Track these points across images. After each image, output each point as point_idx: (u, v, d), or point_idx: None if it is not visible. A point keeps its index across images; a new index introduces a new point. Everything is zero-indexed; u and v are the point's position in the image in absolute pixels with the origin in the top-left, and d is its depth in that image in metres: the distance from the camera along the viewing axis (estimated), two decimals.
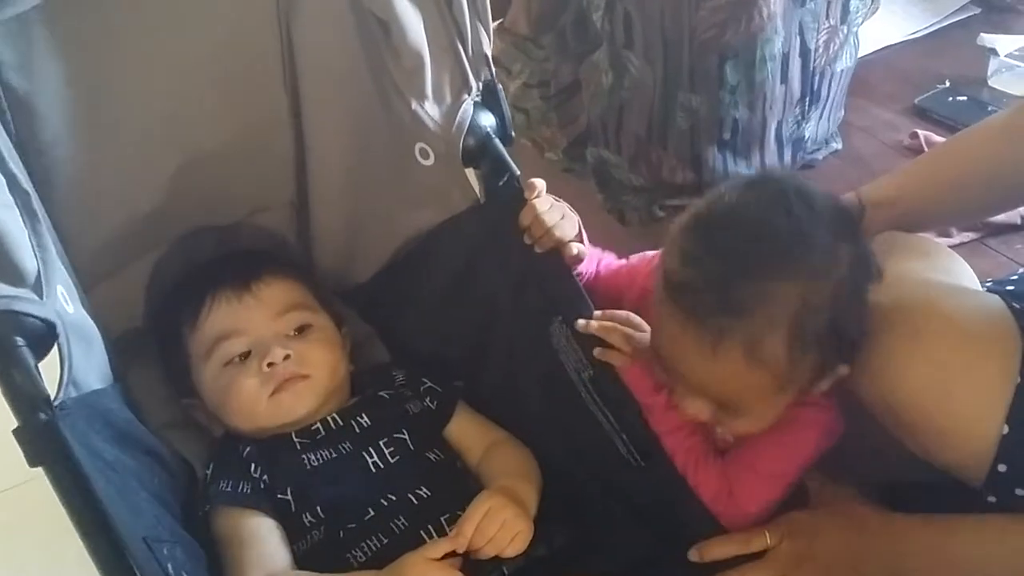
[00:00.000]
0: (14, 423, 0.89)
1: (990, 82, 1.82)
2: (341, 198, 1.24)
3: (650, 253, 1.15)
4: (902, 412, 0.94)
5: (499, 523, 1.00)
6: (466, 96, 1.12)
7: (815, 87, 1.55)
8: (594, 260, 1.17)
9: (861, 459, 1.06)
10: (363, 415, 1.14)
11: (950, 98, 1.80)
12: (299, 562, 1.04)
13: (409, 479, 1.09)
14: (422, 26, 1.07)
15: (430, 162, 1.14)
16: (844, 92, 1.67)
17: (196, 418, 1.19)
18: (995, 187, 1.13)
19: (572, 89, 1.56)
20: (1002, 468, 0.90)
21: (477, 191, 1.17)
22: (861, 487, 1.08)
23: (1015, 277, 1.09)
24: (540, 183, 1.11)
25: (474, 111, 1.12)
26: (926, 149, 1.64)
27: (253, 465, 1.09)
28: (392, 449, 1.12)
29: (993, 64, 1.83)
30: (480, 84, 1.12)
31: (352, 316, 1.30)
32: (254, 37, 1.13)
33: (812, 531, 1.02)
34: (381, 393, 1.18)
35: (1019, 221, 1.47)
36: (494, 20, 1.61)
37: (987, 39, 1.88)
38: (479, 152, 1.13)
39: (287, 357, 1.13)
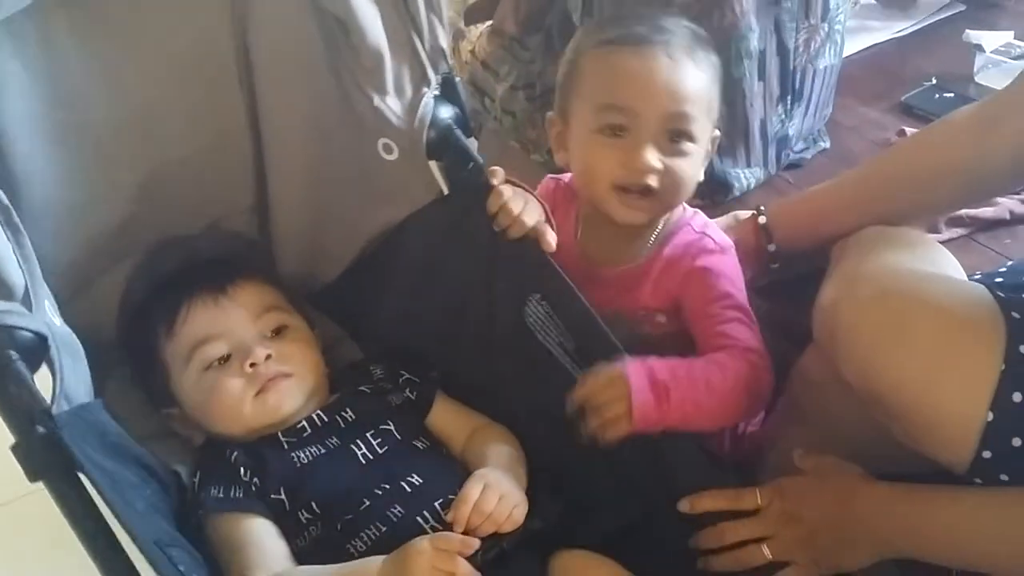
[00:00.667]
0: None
1: (976, 78, 1.83)
2: (302, 200, 1.25)
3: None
4: (888, 400, 0.96)
5: (495, 500, 1.02)
6: (426, 89, 1.14)
7: (797, 85, 1.56)
8: None
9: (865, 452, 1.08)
10: (347, 410, 1.16)
11: (937, 95, 1.80)
12: (300, 558, 1.05)
13: (400, 467, 1.11)
14: (380, 23, 1.09)
15: (394, 157, 1.16)
16: (830, 90, 1.67)
17: (175, 428, 1.19)
18: (964, 183, 1.16)
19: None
20: (986, 455, 0.92)
21: (441, 183, 1.19)
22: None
23: (1003, 269, 1.12)
24: (500, 171, 1.14)
25: (434, 104, 1.15)
26: None
27: (242, 469, 1.09)
28: (380, 440, 1.14)
29: (979, 60, 1.84)
30: (439, 77, 1.14)
31: (321, 318, 1.31)
32: (209, 44, 1.13)
33: (801, 495, 1.06)
34: (362, 388, 1.20)
35: (1008, 216, 1.48)
36: (483, 22, 1.64)
37: (973, 35, 1.89)
38: (441, 144, 1.16)
39: (269, 357, 1.14)
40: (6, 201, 0.90)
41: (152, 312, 1.19)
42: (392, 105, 1.14)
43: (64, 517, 0.91)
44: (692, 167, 1.13)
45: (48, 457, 0.88)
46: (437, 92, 1.15)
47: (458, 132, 1.15)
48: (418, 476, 1.10)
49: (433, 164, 1.18)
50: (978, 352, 0.92)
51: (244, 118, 1.19)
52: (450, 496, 1.06)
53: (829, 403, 1.12)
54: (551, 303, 1.14)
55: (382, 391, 1.20)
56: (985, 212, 1.46)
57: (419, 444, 1.15)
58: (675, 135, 1.10)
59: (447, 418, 1.21)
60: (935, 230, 1.40)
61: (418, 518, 1.06)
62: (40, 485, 0.91)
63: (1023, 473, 0.92)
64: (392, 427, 1.15)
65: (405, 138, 1.15)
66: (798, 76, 1.55)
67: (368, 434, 1.14)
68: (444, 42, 1.14)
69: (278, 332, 1.18)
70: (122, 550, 0.90)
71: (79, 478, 0.90)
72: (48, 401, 0.87)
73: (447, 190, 1.19)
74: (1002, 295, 0.94)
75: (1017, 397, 0.90)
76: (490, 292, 1.19)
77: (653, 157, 1.10)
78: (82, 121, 1.07)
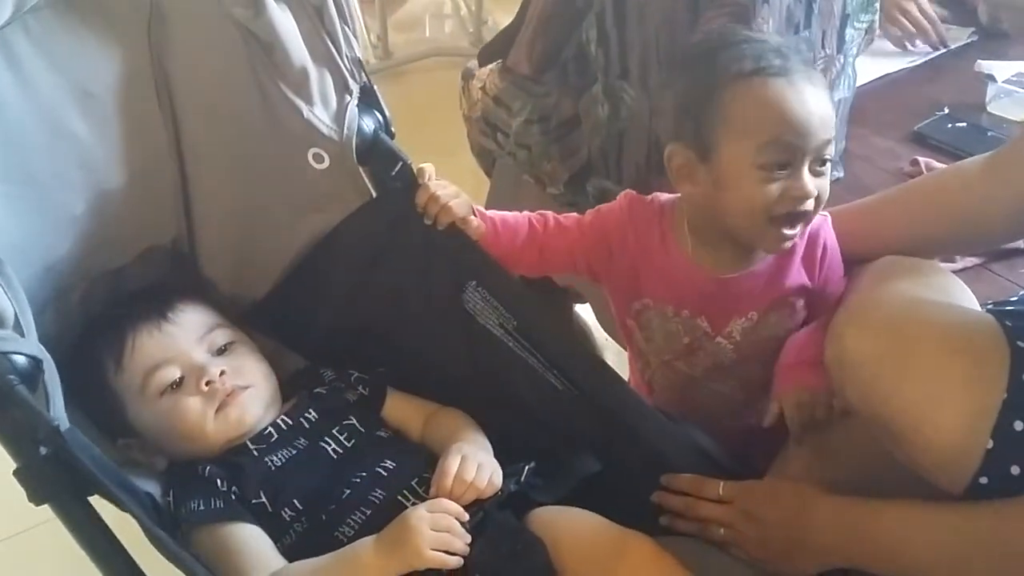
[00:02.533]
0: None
1: (989, 108, 1.84)
2: (228, 223, 1.28)
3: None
4: (891, 425, 0.98)
5: (474, 469, 1.08)
6: (348, 98, 1.20)
7: None
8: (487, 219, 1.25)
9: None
10: (309, 411, 1.20)
11: (949, 124, 1.80)
12: (288, 555, 1.08)
13: (371, 456, 1.16)
14: (301, 40, 1.16)
15: (324, 165, 1.22)
16: (844, 122, 1.65)
17: (135, 457, 1.19)
18: (967, 228, 1.19)
19: (573, 123, 1.56)
20: (983, 480, 0.93)
21: (370, 187, 1.25)
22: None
23: (1015, 298, 1.16)
24: (429, 167, 1.22)
25: (359, 112, 1.21)
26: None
27: (219, 480, 1.12)
28: (345, 435, 1.18)
29: (991, 90, 1.85)
30: (359, 86, 1.21)
31: (255, 334, 1.34)
32: (129, 75, 1.16)
33: (761, 497, 1.13)
34: (317, 390, 1.24)
35: (1023, 245, 1.47)
36: (495, 60, 1.65)
37: (984, 65, 1.89)
38: (368, 150, 1.22)
39: (223, 373, 1.16)
40: None
41: (96, 348, 1.19)
42: (320, 115, 1.19)
43: (75, 539, 0.93)
44: (829, 183, 1.14)
45: (55, 478, 0.90)
46: (358, 100, 1.21)
47: (384, 136, 1.22)
48: (390, 461, 1.15)
49: (361, 169, 1.24)
50: (981, 380, 0.93)
51: (167, 144, 1.22)
52: (424, 474, 1.12)
53: (835, 430, 1.15)
54: (487, 287, 1.22)
55: (337, 390, 1.25)
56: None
57: (382, 434, 1.21)
58: (823, 160, 1.11)
59: (401, 408, 1.27)
60: (949, 259, 1.41)
61: (399, 497, 1.11)
62: (43, 519, 0.93)
63: None
64: (355, 421, 1.20)
65: (335, 146, 1.21)
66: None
67: (334, 430, 1.18)
68: (359, 52, 1.20)
69: (225, 348, 1.21)
70: (138, 569, 0.93)
71: (87, 499, 0.92)
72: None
73: (375, 193, 1.25)
74: (1009, 324, 0.96)
75: (1019, 426, 0.91)
76: (427, 284, 1.26)
77: (812, 185, 1.10)
78: (21, 159, 1.08)
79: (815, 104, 1.09)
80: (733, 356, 1.25)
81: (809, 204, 1.11)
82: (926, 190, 1.27)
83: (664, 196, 1.25)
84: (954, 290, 1.12)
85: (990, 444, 0.92)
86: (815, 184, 1.10)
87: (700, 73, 1.13)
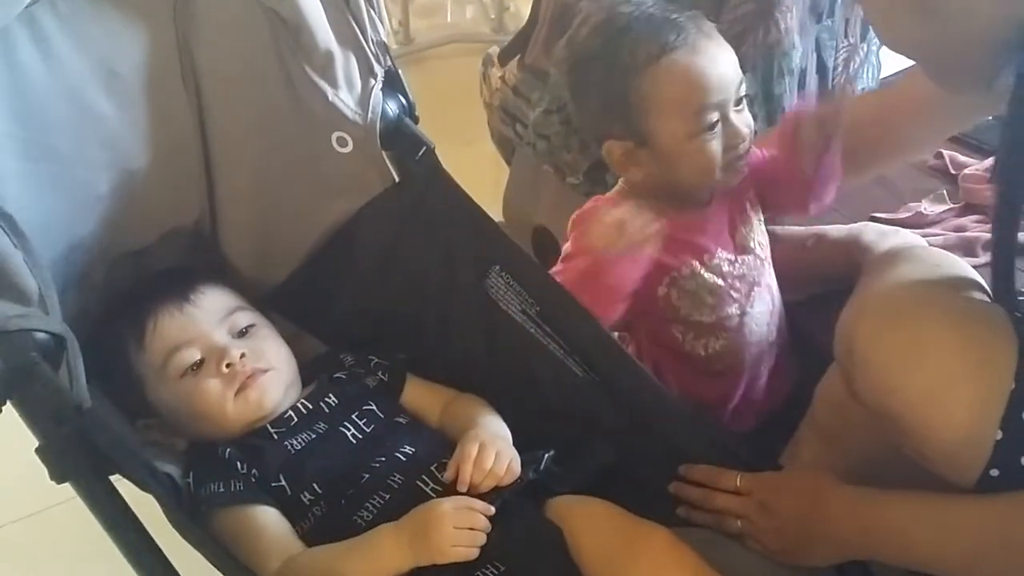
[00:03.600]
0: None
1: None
2: (252, 203, 1.28)
3: None
4: (900, 417, 0.98)
5: (492, 456, 1.08)
6: (373, 82, 1.20)
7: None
8: None
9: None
10: (329, 396, 1.20)
11: None
12: (307, 538, 1.08)
13: (390, 441, 1.15)
14: (327, 22, 1.15)
15: (348, 149, 1.22)
16: None
17: (155, 437, 1.19)
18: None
19: None
20: (994, 473, 0.93)
21: (392, 172, 1.25)
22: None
23: None
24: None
25: (383, 96, 1.21)
26: (951, 168, 1.66)
27: (239, 463, 1.12)
28: (365, 420, 1.18)
29: None
30: (383, 70, 1.21)
31: (276, 318, 1.34)
32: (154, 55, 1.16)
33: (777, 489, 1.12)
34: (337, 375, 1.24)
35: None
36: (513, 55, 1.64)
37: None
38: (392, 134, 1.22)
39: (243, 355, 1.17)
40: (7, 210, 0.91)
41: (118, 328, 1.19)
42: (345, 99, 1.19)
43: (95, 517, 0.93)
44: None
45: (76, 457, 0.90)
46: (383, 84, 1.21)
47: (407, 120, 1.22)
48: (409, 446, 1.15)
49: (384, 154, 1.24)
50: (989, 370, 0.94)
51: (192, 126, 1.22)
52: (443, 460, 1.12)
53: (849, 422, 1.16)
54: (511, 272, 1.22)
55: (357, 376, 1.25)
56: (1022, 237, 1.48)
57: (401, 420, 1.21)
58: (740, 100, 1.18)
59: (420, 394, 1.26)
60: (972, 254, 1.43)
61: (418, 482, 1.10)
62: (65, 498, 0.93)
63: None
64: (374, 407, 1.20)
65: (359, 130, 1.21)
66: (838, 96, 1.55)
67: (353, 415, 1.18)
68: (384, 36, 1.20)
69: (247, 331, 1.21)
70: (158, 548, 0.93)
71: (107, 478, 0.93)
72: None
73: (398, 178, 1.25)
74: (1020, 314, 0.97)
75: None
76: (449, 270, 1.26)
77: (743, 125, 1.18)
78: (45, 137, 1.08)
79: (721, 58, 1.16)
80: (761, 265, 1.31)
81: (747, 141, 1.20)
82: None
83: (602, 202, 1.27)
84: (966, 281, 1.11)
85: (999, 435, 0.92)
86: (744, 122, 1.19)
87: (607, 70, 1.18)
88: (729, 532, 1.14)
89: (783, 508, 1.10)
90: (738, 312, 1.29)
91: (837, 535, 1.07)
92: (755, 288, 1.30)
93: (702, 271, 1.26)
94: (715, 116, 1.16)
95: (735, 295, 1.28)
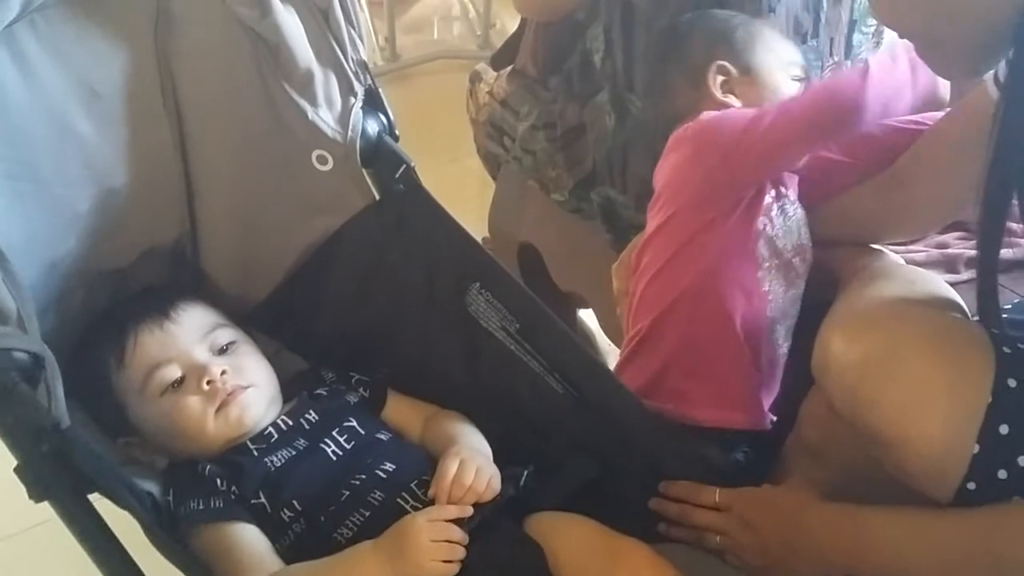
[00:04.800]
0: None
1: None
2: (233, 221, 1.29)
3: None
4: (877, 431, 0.98)
5: (472, 472, 1.09)
6: (353, 100, 1.21)
7: None
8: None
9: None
10: (310, 412, 1.20)
11: None
12: (287, 555, 1.08)
13: (371, 458, 1.16)
14: (307, 42, 1.16)
15: (328, 167, 1.22)
16: None
17: (136, 455, 1.19)
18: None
19: (578, 131, 1.58)
20: (971, 486, 0.94)
21: (373, 190, 1.25)
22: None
23: (1009, 307, 1.15)
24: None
25: (363, 114, 1.22)
26: None
27: (218, 480, 1.12)
28: (345, 437, 1.18)
29: None
30: (363, 88, 1.22)
31: (257, 335, 1.34)
32: (135, 76, 1.17)
33: (758, 505, 1.12)
34: (318, 391, 1.25)
35: None
36: (506, 65, 1.65)
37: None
38: (372, 152, 1.23)
39: (224, 372, 1.17)
40: None
41: (98, 346, 1.19)
42: (325, 117, 1.20)
43: (74, 537, 0.93)
44: None
45: (55, 476, 0.90)
46: (363, 102, 1.22)
47: (387, 139, 1.23)
48: (390, 463, 1.15)
49: (364, 172, 1.24)
50: (965, 384, 0.94)
51: (173, 145, 1.22)
52: (424, 477, 1.12)
53: (834, 438, 1.14)
54: (490, 290, 1.22)
55: (338, 392, 1.25)
56: (1005, 254, 1.41)
57: (382, 436, 1.21)
58: None
59: (401, 411, 1.27)
60: (954, 271, 1.42)
61: (398, 499, 1.11)
62: (45, 518, 0.93)
63: None
64: (355, 423, 1.20)
65: (339, 148, 1.21)
66: None
67: (334, 432, 1.18)
68: (364, 55, 1.21)
69: (227, 348, 1.21)
70: (137, 568, 0.93)
71: (86, 497, 0.93)
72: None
73: (379, 196, 1.26)
74: (995, 330, 0.98)
75: (1004, 429, 0.92)
76: (429, 287, 1.27)
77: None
78: (24, 156, 1.08)
79: None
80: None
81: None
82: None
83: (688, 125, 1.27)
84: (941, 295, 1.12)
85: (976, 448, 0.92)
86: None
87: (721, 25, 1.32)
88: (709, 548, 1.14)
89: (763, 524, 1.10)
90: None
91: (818, 551, 1.07)
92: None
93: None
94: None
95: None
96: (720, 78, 1.28)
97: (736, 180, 1.22)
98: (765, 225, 1.23)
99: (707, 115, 1.25)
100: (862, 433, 1.02)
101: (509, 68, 1.68)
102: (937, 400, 0.95)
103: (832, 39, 1.52)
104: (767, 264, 1.23)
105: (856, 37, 1.55)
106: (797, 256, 1.26)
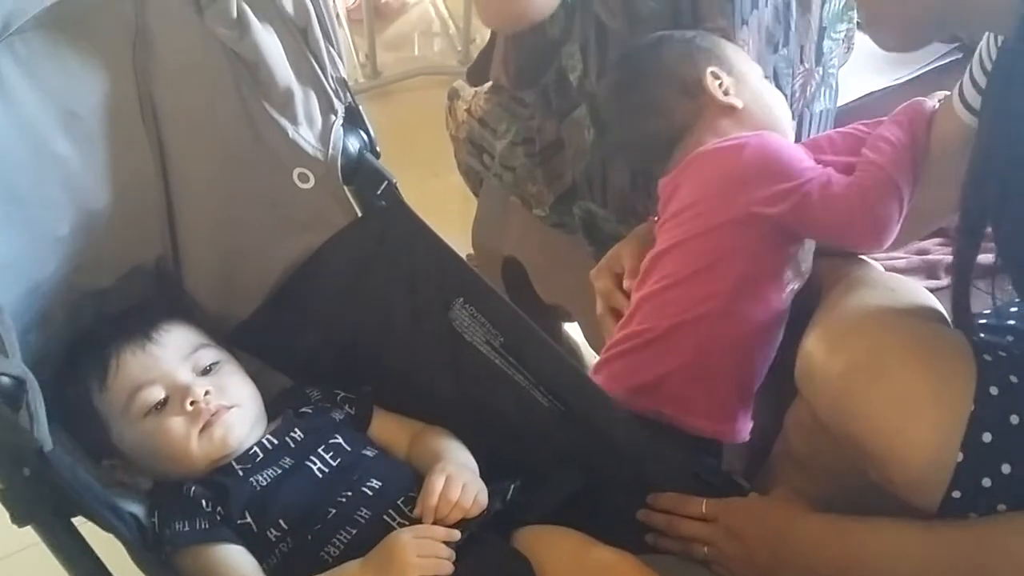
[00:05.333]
0: None
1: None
2: (213, 243, 1.29)
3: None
4: (861, 442, 0.99)
5: (459, 488, 1.09)
6: (333, 118, 1.21)
7: (795, 129, 1.54)
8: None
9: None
10: (295, 430, 1.20)
11: None
12: (274, 575, 1.08)
13: (357, 475, 1.15)
14: (286, 60, 1.16)
15: (310, 185, 1.23)
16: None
17: (119, 478, 1.18)
18: None
19: (556, 146, 1.58)
20: (956, 495, 0.94)
21: (355, 207, 1.26)
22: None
23: (988, 312, 1.16)
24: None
25: (344, 132, 1.22)
26: None
27: (203, 501, 1.11)
28: (331, 454, 1.18)
29: None
30: (343, 106, 1.22)
31: (240, 354, 1.34)
32: (114, 97, 1.16)
33: (745, 516, 1.12)
34: (303, 409, 1.24)
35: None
36: (480, 79, 1.65)
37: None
38: (353, 169, 1.23)
39: (208, 393, 1.16)
40: None
41: (80, 368, 1.19)
42: (305, 135, 1.20)
43: (58, 560, 0.93)
44: None
45: (38, 500, 0.90)
46: (343, 120, 1.22)
47: (369, 156, 1.23)
48: (376, 480, 1.15)
49: (346, 189, 1.24)
50: (949, 394, 0.94)
51: (153, 165, 1.22)
52: (410, 493, 1.12)
53: (819, 448, 1.15)
54: (474, 304, 1.23)
55: (323, 410, 1.25)
56: (985, 258, 1.44)
57: (368, 452, 1.20)
58: None
59: (387, 427, 1.27)
60: (934, 276, 1.46)
61: (385, 516, 1.11)
62: (30, 542, 0.93)
63: (992, 513, 0.95)
64: (341, 440, 1.20)
65: (320, 166, 1.21)
66: (795, 122, 1.55)
67: (320, 449, 1.18)
68: (344, 72, 1.21)
69: (211, 368, 1.21)
70: None
71: (70, 520, 0.92)
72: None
73: (361, 213, 1.26)
74: (976, 338, 0.99)
75: (987, 438, 0.93)
76: (413, 303, 1.27)
77: None
78: (5, 179, 1.08)
79: None
80: None
81: None
82: None
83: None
84: (922, 304, 1.12)
85: (960, 457, 0.93)
86: None
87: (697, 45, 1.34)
88: (696, 559, 1.14)
89: (750, 535, 1.11)
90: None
91: (805, 562, 1.07)
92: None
93: None
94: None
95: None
96: (717, 82, 1.31)
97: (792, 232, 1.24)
98: (797, 250, 1.25)
99: (759, 144, 1.25)
100: (846, 444, 1.02)
101: (488, 85, 1.68)
102: (920, 410, 0.95)
103: (803, 46, 1.54)
104: (790, 286, 1.25)
105: (826, 44, 1.57)
106: (808, 273, 1.28)
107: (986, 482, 0.94)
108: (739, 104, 1.30)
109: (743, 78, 1.33)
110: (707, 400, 1.23)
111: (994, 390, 0.94)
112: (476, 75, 1.75)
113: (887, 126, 1.24)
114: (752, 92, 1.33)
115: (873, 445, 0.98)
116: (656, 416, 1.21)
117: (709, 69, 1.31)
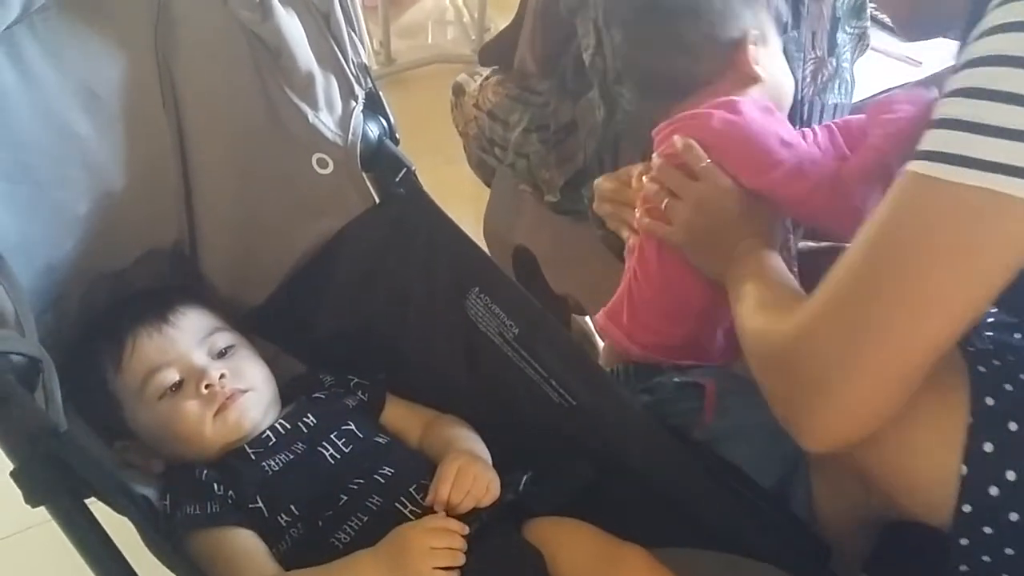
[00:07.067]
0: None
1: None
2: (231, 226, 1.29)
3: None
4: (864, 466, 0.98)
5: (471, 478, 1.08)
6: (354, 104, 1.21)
7: (804, 115, 1.53)
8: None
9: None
10: (308, 416, 1.19)
11: None
12: (284, 560, 1.08)
13: (369, 462, 1.15)
14: (307, 45, 1.16)
15: (328, 171, 1.22)
16: None
17: (132, 459, 1.18)
18: None
19: (570, 128, 1.58)
20: (967, 508, 0.93)
21: (373, 193, 1.25)
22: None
23: (995, 309, 1.12)
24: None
25: (364, 118, 1.21)
26: None
27: (215, 484, 1.11)
28: (344, 440, 1.17)
29: None
30: (364, 92, 1.21)
31: (255, 338, 1.33)
32: (135, 78, 1.16)
33: (715, 196, 1.15)
34: (316, 395, 1.24)
35: None
36: (496, 62, 1.66)
37: None
38: (372, 155, 1.23)
39: (223, 376, 1.16)
40: None
41: (95, 349, 1.19)
42: (325, 120, 1.20)
43: (70, 541, 0.92)
44: None
45: (51, 480, 0.90)
46: (363, 106, 1.22)
47: (388, 142, 1.22)
48: (388, 467, 1.14)
49: (364, 175, 1.24)
50: (944, 409, 0.93)
51: (172, 148, 1.22)
52: (423, 481, 1.12)
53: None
54: (490, 295, 1.22)
55: (337, 396, 1.24)
56: None
57: (381, 440, 1.20)
58: None
59: (400, 414, 1.26)
60: None
61: (396, 504, 1.10)
62: (40, 520, 0.92)
63: (1007, 524, 0.94)
64: (353, 427, 1.19)
65: (340, 151, 1.21)
66: (805, 107, 1.54)
67: (332, 435, 1.18)
68: (365, 58, 1.21)
69: (226, 352, 1.21)
70: (133, 572, 0.92)
71: (83, 501, 0.92)
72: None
73: (379, 199, 1.25)
74: (972, 348, 0.98)
75: (988, 447, 0.92)
76: (429, 291, 1.27)
77: None
78: (23, 158, 1.08)
79: None
80: None
81: None
82: None
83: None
84: None
85: (964, 470, 0.92)
86: None
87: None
88: (656, 219, 1.18)
89: (714, 209, 1.14)
90: None
91: (720, 269, 1.12)
92: None
93: None
94: None
95: None
96: (754, 48, 1.26)
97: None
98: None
99: (746, 120, 1.23)
100: (848, 467, 1.01)
101: (494, 78, 1.68)
102: (917, 428, 0.94)
103: (814, 32, 1.52)
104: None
105: (840, 36, 1.55)
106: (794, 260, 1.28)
107: (993, 491, 0.93)
108: (764, 77, 1.27)
109: (772, 56, 1.30)
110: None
111: (990, 400, 0.93)
112: (489, 55, 1.75)
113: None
114: (774, 70, 1.30)
115: (877, 470, 0.98)
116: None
117: (753, 32, 1.26)
